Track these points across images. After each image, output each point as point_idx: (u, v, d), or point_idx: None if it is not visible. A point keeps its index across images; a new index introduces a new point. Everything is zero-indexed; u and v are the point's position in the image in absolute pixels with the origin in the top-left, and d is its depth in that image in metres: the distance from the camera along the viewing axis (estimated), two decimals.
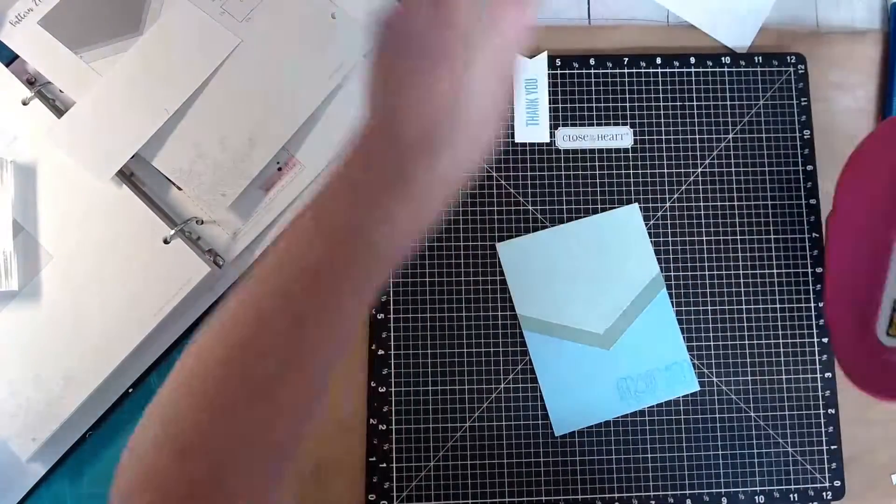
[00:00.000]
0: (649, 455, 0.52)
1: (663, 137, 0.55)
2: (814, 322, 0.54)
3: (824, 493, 0.52)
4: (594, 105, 0.55)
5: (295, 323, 0.32)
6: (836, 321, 0.51)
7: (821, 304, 0.54)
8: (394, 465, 0.51)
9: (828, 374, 0.53)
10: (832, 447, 0.53)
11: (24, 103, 0.51)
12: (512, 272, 0.53)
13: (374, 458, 0.51)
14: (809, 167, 0.55)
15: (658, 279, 0.53)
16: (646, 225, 0.54)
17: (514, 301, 0.53)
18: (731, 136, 0.55)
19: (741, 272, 0.54)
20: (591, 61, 0.56)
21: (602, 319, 0.53)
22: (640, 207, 0.54)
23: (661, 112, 0.56)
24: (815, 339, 0.54)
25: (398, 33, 0.34)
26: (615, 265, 0.53)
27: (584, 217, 0.54)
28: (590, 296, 0.53)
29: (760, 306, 0.54)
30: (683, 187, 0.55)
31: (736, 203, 0.55)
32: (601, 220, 0.54)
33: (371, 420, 0.51)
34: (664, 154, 0.55)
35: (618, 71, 0.56)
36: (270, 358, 0.32)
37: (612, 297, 0.53)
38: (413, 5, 0.34)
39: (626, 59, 0.56)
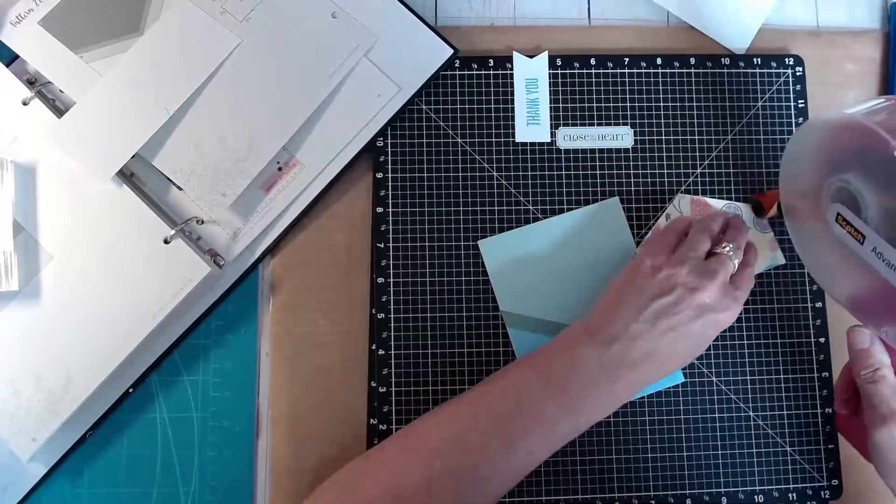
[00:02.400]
0: (649, 455, 0.52)
1: (663, 137, 0.55)
2: (811, 322, 0.54)
3: (822, 493, 0.52)
4: (594, 105, 0.56)
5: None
6: None
7: (818, 305, 0.54)
8: None
9: (825, 374, 0.53)
10: (830, 446, 0.53)
11: (24, 103, 0.51)
12: (494, 269, 0.53)
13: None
14: None
15: None
16: (646, 224, 0.54)
17: (496, 298, 0.53)
18: (730, 136, 0.56)
19: None
20: (592, 61, 0.56)
21: (585, 314, 0.53)
22: (639, 207, 0.54)
23: (661, 112, 0.56)
24: (813, 339, 0.54)
25: (652, 269, 0.46)
26: (597, 259, 0.53)
27: (567, 212, 0.54)
28: (572, 290, 0.53)
29: (758, 306, 0.54)
30: (683, 187, 0.55)
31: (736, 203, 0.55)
32: (583, 215, 0.54)
33: (371, 420, 0.51)
34: (664, 154, 0.55)
35: (618, 71, 0.56)
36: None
37: (596, 291, 0.53)
38: (659, 249, 0.48)
39: (627, 59, 0.56)
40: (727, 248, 0.48)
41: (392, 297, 0.53)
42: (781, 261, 0.54)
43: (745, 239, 0.50)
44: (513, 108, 0.55)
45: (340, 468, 0.45)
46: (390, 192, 0.54)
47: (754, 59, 0.56)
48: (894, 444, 0.43)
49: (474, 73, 0.55)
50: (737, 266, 0.48)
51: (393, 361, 0.52)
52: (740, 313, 0.53)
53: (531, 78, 0.55)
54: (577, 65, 0.56)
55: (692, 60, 0.56)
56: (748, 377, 0.53)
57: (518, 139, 0.55)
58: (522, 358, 0.47)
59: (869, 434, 0.44)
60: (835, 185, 0.43)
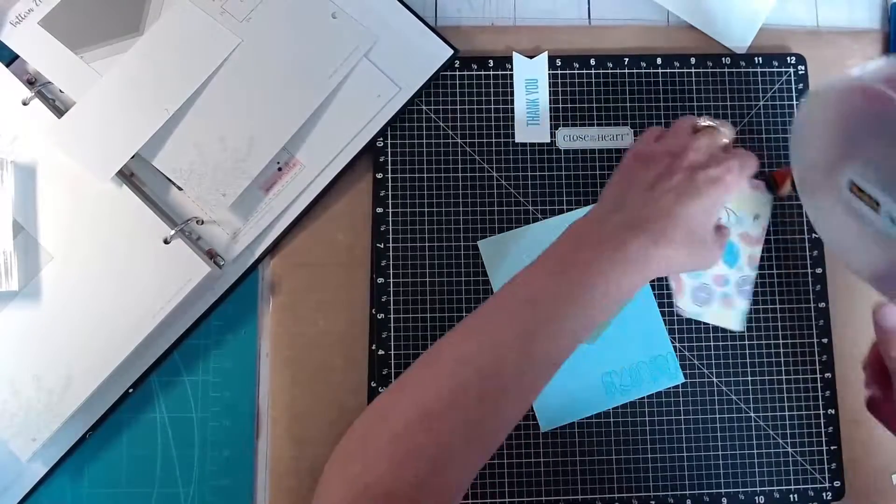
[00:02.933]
0: (649, 455, 0.52)
1: None
2: (814, 322, 0.54)
3: (824, 494, 0.52)
4: (594, 105, 0.55)
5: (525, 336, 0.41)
6: None
7: (822, 305, 0.54)
8: None
9: (828, 375, 0.53)
10: (832, 447, 0.53)
11: (24, 103, 0.51)
12: (494, 269, 0.53)
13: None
14: None
15: None
16: None
17: None
18: None
19: None
20: (592, 61, 0.56)
21: None
22: None
23: (662, 112, 0.56)
24: (815, 340, 0.54)
25: (639, 155, 0.46)
26: None
27: (567, 212, 0.54)
28: None
29: (760, 307, 0.54)
30: None
31: None
32: (581, 214, 0.53)
33: None
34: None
35: (618, 71, 0.56)
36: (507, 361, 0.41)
37: None
38: (648, 139, 0.47)
39: (627, 59, 0.56)
40: (707, 120, 0.47)
41: (392, 297, 0.53)
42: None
43: (732, 129, 0.48)
44: (513, 109, 0.55)
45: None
46: (390, 192, 0.54)
47: (755, 59, 0.56)
48: None
49: (474, 73, 0.55)
50: (724, 140, 0.47)
51: (393, 361, 0.52)
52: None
53: (531, 78, 0.55)
54: (577, 65, 0.56)
55: (692, 60, 0.56)
56: (749, 377, 0.53)
57: (518, 139, 0.55)
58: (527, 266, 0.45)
59: None
60: (847, 153, 0.42)
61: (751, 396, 0.53)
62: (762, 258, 0.54)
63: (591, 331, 0.43)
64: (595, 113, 0.55)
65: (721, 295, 0.52)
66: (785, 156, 0.55)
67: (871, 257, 0.45)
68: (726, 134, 0.47)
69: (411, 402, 0.40)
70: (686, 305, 0.52)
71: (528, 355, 0.41)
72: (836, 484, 0.52)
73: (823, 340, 0.54)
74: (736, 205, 0.50)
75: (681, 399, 0.52)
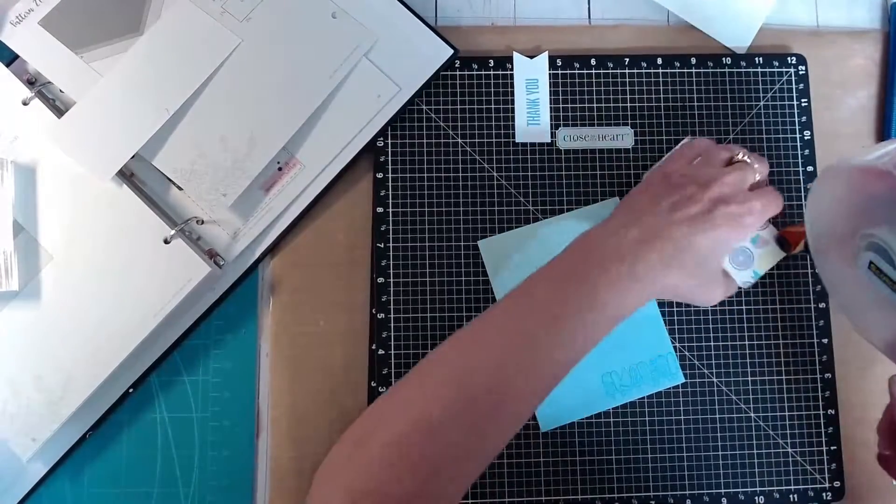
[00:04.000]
0: (649, 455, 0.52)
1: (664, 138, 0.55)
2: (814, 322, 0.54)
3: (824, 494, 0.52)
4: (595, 105, 0.55)
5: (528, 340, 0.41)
6: None
7: (822, 305, 0.54)
8: None
9: (828, 375, 0.53)
10: (832, 448, 0.53)
11: (24, 103, 0.51)
12: (494, 269, 0.53)
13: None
14: (810, 168, 0.55)
15: None
16: None
17: (496, 298, 0.53)
18: (731, 136, 0.55)
19: None
20: (592, 61, 0.56)
21: None
22: None
23: (662, 112, 0.56)
24: (815, 340, 0.54)
25: (668, 176, 0.46)
26: None
27: (568, 212, 0.54)
28: None
29: (760, 307, 0.54)
30: None
31: None
32: (583, 214, 0.54)
33: None
34: (665, 154, 0.55)
35: (618, 71, 0.56)
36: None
37: None
38: (681, 160, 0.48)
39: (627, 59, 0.56)
40: (744, 155, 0.47)
41: (392, 297, 0.53)
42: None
43: (766, 166, 0.48)
44: (513, 109, 0.55)
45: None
46: (390, 192, 0.54)
47: (756, 59, 0.56)
48: None
49: (474, 73, 0.55)
50: (756, 177, 0.46)
51: (393, 361, 0.52)
52: (741, 313, 0.53)
53: (531, 78, 0.55)
54: (577, 65, 0.56)
55: (693, 60, 0.56)
56: (749, 377, 0.53)
57: (518, 139, 0.55)
58: (541, 273, 0.45)
59: None
60: (864, 232, 0.42)
61: (751, 396, 0.53)
62: None
63: (592, 345, 0.43)
64: (595, 113, 0.55)
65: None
66: (785, 156, 0.55)
67: (885, 328, 0.45)
68: (760, 171, 0.47)
69: (407, 411, 0.40)
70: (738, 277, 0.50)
71: (530, 368, 0.41)
72: (836, 484, 0.52)
73: (823, 340, 0.54)
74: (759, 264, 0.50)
75: (681, 399, 0.52)
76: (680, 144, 0.52)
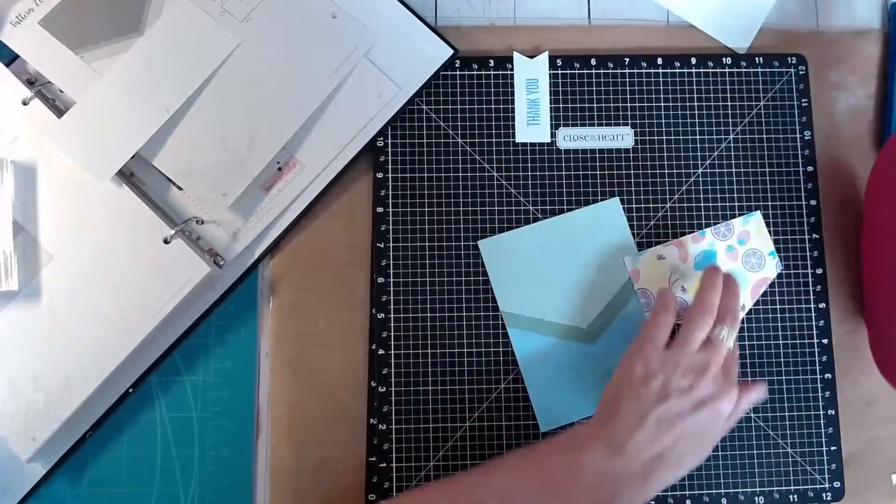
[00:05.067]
0: None
1: (664, 138, 0.55)
2: (814, 323, 0.54)
3: (824, 494, 0.52)
4: (595, 105, 0.55)
5: None
6: (872, 323, 0.53)
7: (822, 306, 0.54)
8: (394, 465, 0.51)
9: (828, 376, 0.53)
10: (832, 448, 0.53)
11: (24, 103, 0.51)
12: (494, 269, 0.53)
13: (374, 458, 0.51)
14: (810, 168, 0.55)
15: None
16: (646, 225, 0.54)
17: (496, 298, 0.53)
18: (731, 136, 0.55)
19: None
20: (592, 61, 0.56)
21: (585, 314, 0.53)
22: (640, 207, 0.54)
23: (662, 112, 0.55)
24: (815, 340, 0.54)
25: (639, 365, 0.46)
26: (597, 259, 0.53)
27: (567, 212, 0.54)
28: (572, 291, 0.53)
29: (761, 307, 0.54)
30: (684, 187, 0.55)
31: (736, 204, 0.55)
32: (583, 215, 0.54)
33: (371, 420, 0.51)
34: (665, 154, 0.55)
35: (618, 71, 0.56)
36: None
37: (595, 291, 0.53)
38: (650, 351, 0.46)
39: (627, 59, 0.56)
40: (722, 333, 0.47)
41: (392, 297, 0.53)
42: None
43: (738, 306, 0.49)
44: (513, 109, 0.55)
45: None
46: (390, 192, 0.54)
47: (756, 59, 0.56)
48: None
49: (474, 73, 0.55)
50: (731, 346, 0.47)
51: (393, 361, 0.52)
52: (742, 315, 0.53)
53: (531, 78, 0.55)
54: (577, 65, 0.56)
55: (693, 60, 0.56)
56: (749, 377, 0.53)
57: (518, 139, 0.55)
58: (521, 450, 0.45)
59: None
60: None
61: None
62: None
63: None
64: (595, 113, 0.55)
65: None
66: (785, 156, 0.55)
67: None
68: (732, 343, 0.47)
69: None
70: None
71: None
72: (836, 484, 0.52)
73: (823, 341, 0.54)
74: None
75: None
76: (658, 296, 0.50)
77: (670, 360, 0.45)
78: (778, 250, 0.54)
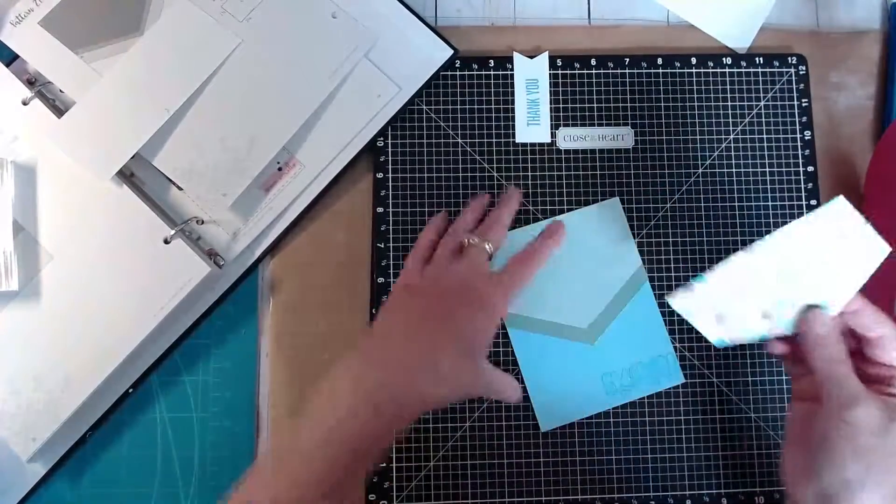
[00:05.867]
0: (649, 455, 0.52)
1: (664, 138, 0.55)
2: None
3: None
4: (595, 105, 0.55)
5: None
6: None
7: None
8: (394, 465, 0.51)
9: None
10: None
11: (24, 103, 0.51)
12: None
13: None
14: (810, 168, 0.55)
15: (640, 272, 0.53)
16: (647, 225, 0.54)
17: None
18: (731, 136, 0.55)
19: None
20: (592, 61, 0.56)
21: (585, 314, 0.53)
22: (640, 207, 0.54)
23: (662, 112, 0.55)
24: None
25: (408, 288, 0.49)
26: (597, 259, 0.53)
27: (568, 212, 0.54)
28: (573, 291, 0.53)
29: None
30: (684, 187, 0.55)
31: (737, 204, 0.55)
32: (583, 215, 0.54)
33: None
34: (665, 154, 0.55)
35: (619, 71, 0.56)
36: None
37: (595, 291, 0.53)
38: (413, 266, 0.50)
39: (627, 59, 0.56)
40: (471, 239, 0.49)
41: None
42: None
43: (501, 228, 0.51)
44: (513, 109, 0.55)
45: None
46: (390, 192, 0.54)
47: (756, 58, 0.56)
48: (867, 421, 0.41)
49: (474, 73, 0.55)
50: (490, 251, 0.49)
51: None
52: None
53: (531, 78, 0.55)
54: (577, 65, 0.56)
55: (693, 60, 0.56)
56: (748, 377, 0.53)
57: (518, 139, 0.55)
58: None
59: (833, 418, 0.41)
60: None
61: (751, 396, 0.53)
62: None
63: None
64: (595, 113, 0.55)
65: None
66: (786, 156, 0.55)
67: None
68: (493, 241, 0.49)
69: None
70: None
71: None
72: None
73: None
74: None
75: (681, 399, 0.52)
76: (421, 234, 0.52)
77: (428, 266, 0.49)
78: None
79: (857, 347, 0.44)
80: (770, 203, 0.55)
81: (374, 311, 0.52)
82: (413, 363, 0.44)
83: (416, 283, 0.49)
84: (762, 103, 0.56)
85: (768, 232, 0.54)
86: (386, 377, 0.43)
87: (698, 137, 0.55)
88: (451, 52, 0.54)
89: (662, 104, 0.56)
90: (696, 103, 0.56)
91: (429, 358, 0.44)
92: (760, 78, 0.56)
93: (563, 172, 0.55)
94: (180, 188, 0.51)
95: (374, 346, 0.46)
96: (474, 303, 0.46)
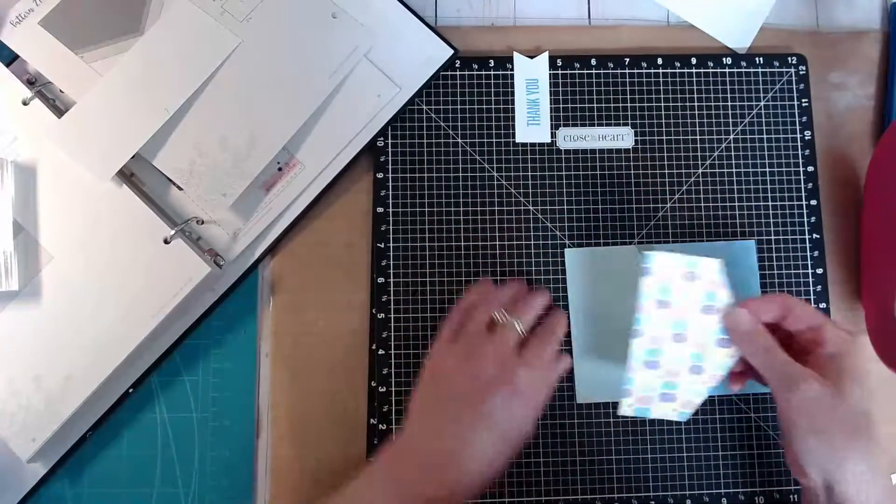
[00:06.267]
0: (649, 455, 0.52)
1: (664, 138, 0.55)
2: None
3: None
4: (595, 105, 0.55)
5: None
6: (870, 308, 0.53)
7: (822, 305, 0.54)
8: None
9: None
10: None
11: (24, 103, 0.51)
12: (573, 280, 0.53)
13: (374, 458, 0.51)
14: (810, 168, 0.55)
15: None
16: (647, 225, 0.54)
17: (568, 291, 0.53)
18: (731, 136, 0.55)
19: None
20: (592, 61, 0.56)
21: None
22: (640, 207, 0.54)
23: (662, 112, 0.55)
24: None
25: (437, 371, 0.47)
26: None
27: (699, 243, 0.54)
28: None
29: None
30: (684, 187, 0.55)
31: (737, 204, 0.55)
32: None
33: (371, 420, 0.51)
34: (665, 154, 0.55)
35: (619, 71, 0.56)
36: None
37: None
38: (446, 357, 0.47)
39: (627, 59, 0.56)
40: (502, 317, 0.48)
41: (392, 297, 0.53)
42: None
43: (533, 310, 0.49)
44: (513, 109, 0.55)
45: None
46: (390, 192, 0.54)
47: (756, 59, 0.56)
48: (813, 397, 0.42)
49: (474, 73, 0.55)
50: (522, 332, 0.47)
51: (393, 361, 0.52)
52: None
53: (531, 78, 0.55)
54: (577, 65, 0.56)
55: (693, 60, 0.56)
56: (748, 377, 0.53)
57: (518, 139, 0.55)
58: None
59: (784, 403, 0.43)
60: None
61: (751, 396, 0.53)
62: (763, 258, 0.54)
63: None
64: (595, 113, 0.55)
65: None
66: (786, 156, 0.55)
67: None
68: (522, 327, 0.48)
69: None
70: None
71: None
72: None
73: None
74: None
75: None
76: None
77: (456, 346, 0.47)
78: (778, 250, 0.54)
79: (779, 333, 0.45)
80: (770, 203, 0.55)
81: (373, 310, 0.52)
82: (441, 462, 0.44)
83: (444, 369, 0.47)
84: (762, 103, 0.56)
85: (768, 232, 0.54)
86: (413, 486, 0.44)
87: (698, 137, 0.55)
88: (451, 52, 0.54)
89: (662, 104, 0.56)
90: (695, 103, 0.56)
91: (458, 456, 0.44)
92: (760, 78, 0.56)
93: (563, 172, 0.55)
94: (180, 188, 0.51)
95: (397, 455, 0.46)
96: (496, 385, 0.45)
